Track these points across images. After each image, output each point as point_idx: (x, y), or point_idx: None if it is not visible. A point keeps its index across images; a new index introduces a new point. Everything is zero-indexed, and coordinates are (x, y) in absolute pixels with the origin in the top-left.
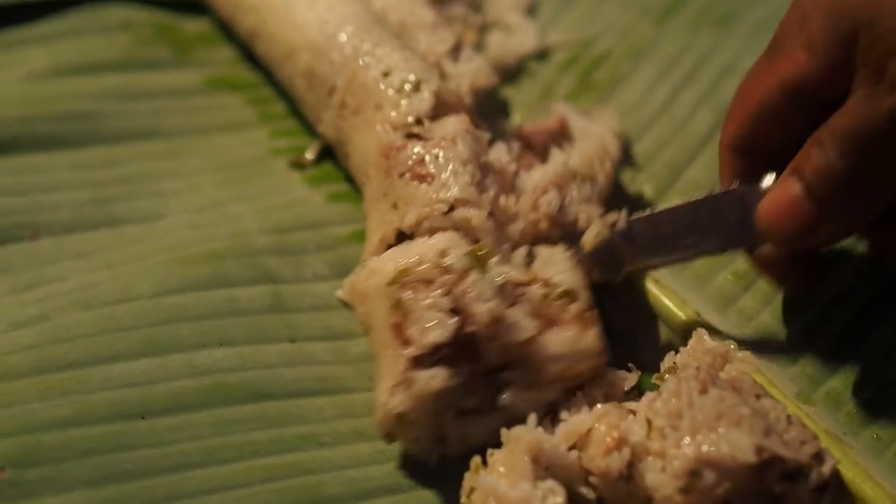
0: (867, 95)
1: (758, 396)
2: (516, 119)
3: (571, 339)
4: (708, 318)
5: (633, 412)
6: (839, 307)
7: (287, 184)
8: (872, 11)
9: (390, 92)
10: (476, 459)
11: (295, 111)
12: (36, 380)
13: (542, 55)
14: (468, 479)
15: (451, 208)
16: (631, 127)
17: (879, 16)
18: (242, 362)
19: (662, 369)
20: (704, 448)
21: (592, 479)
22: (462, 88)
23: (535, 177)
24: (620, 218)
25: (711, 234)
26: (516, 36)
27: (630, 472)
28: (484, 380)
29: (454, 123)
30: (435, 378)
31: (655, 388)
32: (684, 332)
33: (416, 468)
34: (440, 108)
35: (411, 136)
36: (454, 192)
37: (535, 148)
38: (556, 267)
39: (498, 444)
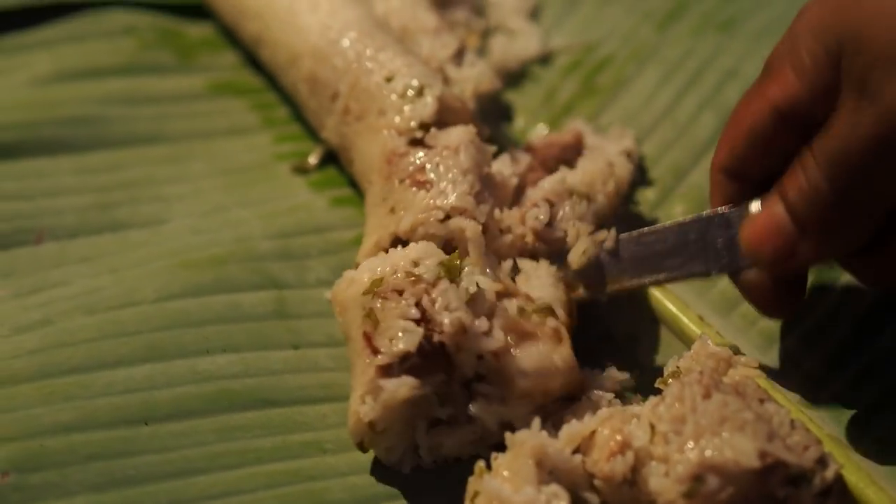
0: (851, 110)
1: (761, 401)
2: (519, 123)
3: (543, 355)
4: (711, 322)
5: (637, 416)
6: (842, 311)
7: (290, 188)
8: (856, 25)
9: (393, 97)
10: (480, 464)
11: (298, 116)
12: (39, 384)
13: (545, 59)
14: (472, 484)
15: (448, 216)
16: (634, 131)
17: (863, 28)
18: (246, 368)
19: (665, 374)
20: (708, 453)
21: (596, 483)
22: (465, 93)
23: (532, 192)
24: (609, 237)
25: (699, 256)
26: (519, 40)
27: (634, 477)
28: (460, 391)
29: (459, 133)
30: (402, 387)
31: (658, 392)
32: (687, 337)
33: (418, 475)
34: (444, 113)
35: (416, 143)
36: (451, 200)
37: (546, 161)
38: (538, 282)
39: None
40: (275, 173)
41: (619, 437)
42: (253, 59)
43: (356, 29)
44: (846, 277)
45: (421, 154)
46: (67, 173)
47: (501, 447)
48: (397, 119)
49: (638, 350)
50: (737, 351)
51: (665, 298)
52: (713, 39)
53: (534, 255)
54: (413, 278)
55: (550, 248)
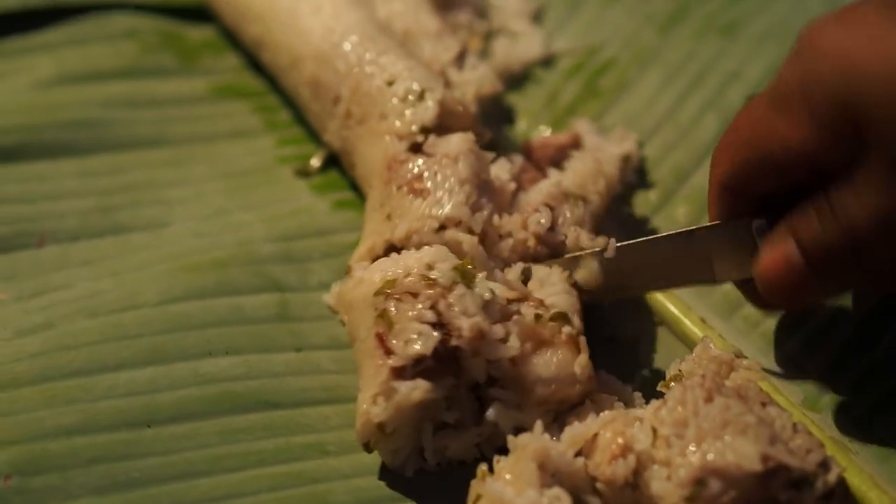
0: (879, 181)
1: (763, 404)
2: (521, 125)
3: (560, 363)
4: (713, 325)
5: (639, 419)
6: (844, 314)
7: (293, 192)
8: (884, 89)
9: (395, 101)
10: (482, 467)
11: (301, 119)
12: (41, 388)
13: (547, 62)
14: (474, 487)
15: (442, 226)
16: (637, 133)
17: (891, 93)
18: (248, 371)
19: (668, 377)
20: (710, 456)
21: (598, 487)
22: (467, 96)
23: (530, 196)
24: (609, 247)
25: (702, 265)
26: (522, 43)
27: (636, 480)
28: (467, 395)
29: (458, 141)
30: (416, 390)
31: (661, 395)
32: (689, 339)
33: (421, 478)
34: (445, 117)
35: (416, 150)
36: (446, 210)
37: (541, 162)
38: (552, 288)
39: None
40: (277, 176)
41: (620, 441)
42: (255, 62)
43: (358, 32)
44: None
45: (419, 162)
46: (69, 176)
47: (504, 450)
48: (398, 123)
49: (640, 353)
50: (739, 354)
51: (667, 301)
52: (715, 42)
53: (536, 259)
54: (428, 282)
55: (552, 251)
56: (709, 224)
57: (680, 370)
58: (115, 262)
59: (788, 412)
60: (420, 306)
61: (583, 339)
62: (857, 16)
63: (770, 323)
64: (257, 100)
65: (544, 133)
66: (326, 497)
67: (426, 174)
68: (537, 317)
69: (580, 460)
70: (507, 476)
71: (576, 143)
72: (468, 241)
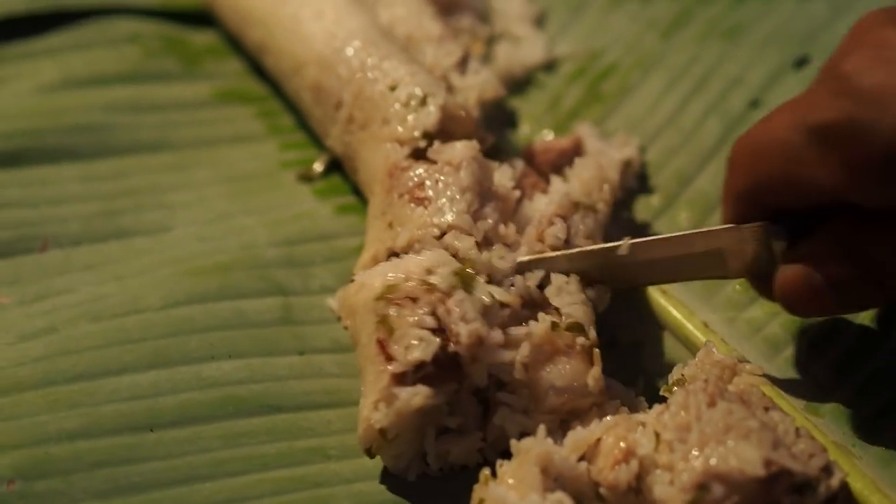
0: None
1: (766, 409)
2: (524, 130)
3: (573, 373)
4: (716, 329)
5: (642, 424)
6: (848, 318)
7: (295, 196)
8: None
9: (397, 106)
10: (485, 471)
11: (303, 124)
12: (44, 392)
13: (550, 66)
14: (477, 491)
15: (444, 234)
16: (639, 138)
17: None
18: (251, 375)
19: (670, 381)
20: (713, 461)
21: (601, 491)
22: (470, 101)
23: (540, 207)
24: (625, 244)
25: (713, 260)
26: (524, 47)
27: (638, 485)
28: (470, 399)
29: (462, 149)
30: (417, 396)
31: (663, 400)
32: (692, 344)
33: (424, 482)
34: (447, 123)
35: (418, 157)
36: (448, 218)
37: (543, 166)
38: (569, 297)
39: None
40: (280, 181)
41: (623, 445)
42: (258, 67)
43: (361, 37)
44: None
45: (421, 170)
46: (72, 181)
47: (507, 455)
48: (400, 128)
49: (643, 357)
50: (742, 359)
51: (669, 305)
52: (718, 47)
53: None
54: (427, 286)
55: None
56: (723, 226)
57: (682, 375)
58: (118, 267)
59: (791, 417)
60: (420, 312)
61: (597, 352)
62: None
63: (773, 328)
64: (260, 104)
65: (547, 137)
66: (328, 501)
67: (428, 182)
68: (553, 325)
69: (583, 465)
70: (510, 480)
71: (578, 148)
72: (465, 246)
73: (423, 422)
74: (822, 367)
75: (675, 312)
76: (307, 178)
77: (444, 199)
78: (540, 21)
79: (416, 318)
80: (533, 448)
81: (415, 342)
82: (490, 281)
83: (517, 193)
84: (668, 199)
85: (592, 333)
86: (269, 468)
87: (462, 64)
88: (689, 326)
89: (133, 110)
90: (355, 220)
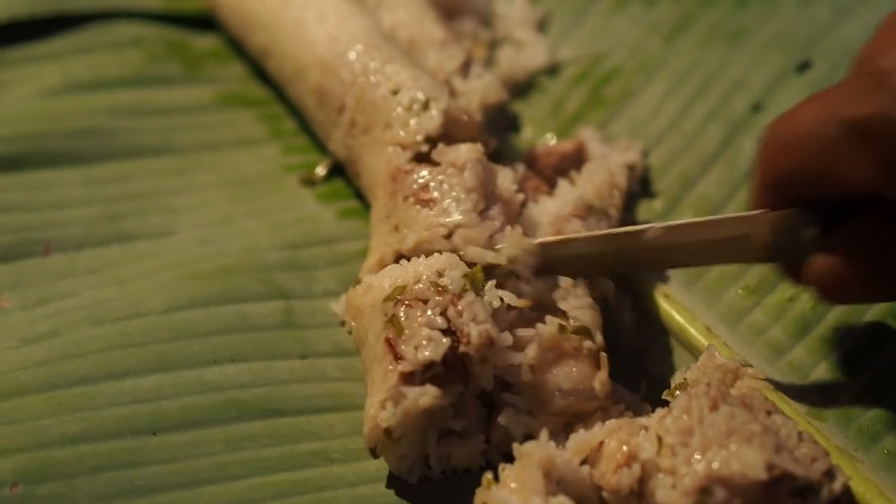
0: None
1: (769, 413)
2: (527, 134)
3: (580, 376)
4: (718, 333)
5: (644, 428)
6: (850, 322)
7: (298, 200)
8: None
9: (399, 110)
10: (488, 475)
11: (306, 128)
12: (47, 395)
13: (552, 70)
14: (479, 495)
15: (451, 234)
16: (642, 142)
17: None
18: (254, 378)
19: (673, 385)
20: (715, 465)
21: (604, 495)
22: (472, 105)
23: (554, 207)
24: (651, 228)
25: (734, 247)
26: (527, 51)
27: (641, 489)
28: (474, 402)
29: (466, 151)
30: (425, 395)
31: (666, 404)
32: (695, 348)
33: (426, 486)
34: (449, 127)
35: (421, 160)
36: (455, 217)
37: (545, 170)
38: (576, 301)
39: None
40: (282, 185)
41: (626, 449)
42: (260, 71)
43: (363, 41)
44: None
45: (425, 172)
46: (74, 185)
47: (510, 458)
48: (403, 132)
49: (646, 361)
50: (744, 363)
51: (672, 310)
52: (720, 50)
53: None
54: (438, 288)
55: None
56: (756, 212)
57: (685, 379)
58: (120, 270)
59: (794, 421)
60: (430, 312)
61: (604, 356)
62: None
63: (775, 332)
64: (263, 108)
65: (549, 141)
66: None
67: (432, 184)
68: (561, 328)
69: (585, 468)
70: (513, 484)
71: (580, 152)
72: (474, 244)
73: (429, 423)
74: (825, 371)
75: (677, 316)
76: (310, 181)
77: (449, 200)
78: (542, 25)
79: (426, 318)
80: (535, 452)
81: (424, 342)
82: (498, 283)
83: (521, 196)
84: (670, 202)
85: (599, 338)
86: (272, 472)
87: (464, 68)
88: (692, 330)
89: (135, 114)
90: (358, 224)
